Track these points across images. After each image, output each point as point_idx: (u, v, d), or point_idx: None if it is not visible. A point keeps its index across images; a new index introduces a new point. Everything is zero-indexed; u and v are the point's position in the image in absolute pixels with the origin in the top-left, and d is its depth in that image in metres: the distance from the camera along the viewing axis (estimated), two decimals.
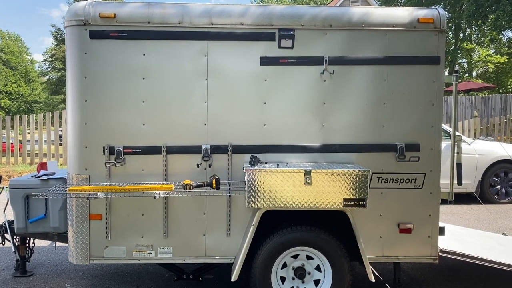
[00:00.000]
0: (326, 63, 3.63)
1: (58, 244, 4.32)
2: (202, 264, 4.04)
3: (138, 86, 3.59)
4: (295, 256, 3.61)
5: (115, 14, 3.55)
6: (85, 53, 3.56)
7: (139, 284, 4.40)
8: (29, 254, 4.60)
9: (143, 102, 3.60)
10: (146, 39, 3.58)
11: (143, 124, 3.61)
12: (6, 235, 4.38)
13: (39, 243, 4.97)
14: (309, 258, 3.62)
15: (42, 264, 4.99)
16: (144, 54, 3.58)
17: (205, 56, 3.60)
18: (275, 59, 3.63)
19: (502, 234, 5.16)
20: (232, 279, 3.50)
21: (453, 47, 30.36)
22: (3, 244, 4.46)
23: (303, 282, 3.63)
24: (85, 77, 3.57)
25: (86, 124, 3.59)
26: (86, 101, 3.58)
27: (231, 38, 3.60)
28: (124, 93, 3.59)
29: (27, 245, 4.53)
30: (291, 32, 3.61)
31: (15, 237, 4.38)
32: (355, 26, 3.63)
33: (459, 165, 4.04)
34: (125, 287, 4.33)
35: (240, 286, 4.12)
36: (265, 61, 3.62)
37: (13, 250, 4.44)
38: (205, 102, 3.62)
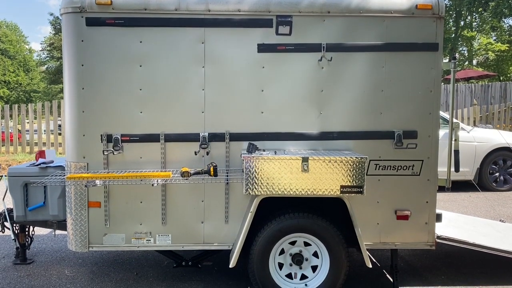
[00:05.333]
0: (324, 50, 3.61)
1: (58, 231, 4.35)
2: (200, 251, 4.07)
3: (135, 74, 3.58)
4: (292, 243, 3.64)
5: (111, 1, 3.52)
6: (82, 41, 3.54)
7: (138, 271, 4.44)
8: (29, 242, 4.63)
9: (140, 89, 3.59)
10: (142, 26, 3.55)
11: (141, 112, 3.61)
12: (5, 223, 4.40)
13: (39, 231, 5.00)
14: (306, 244, 3.64)
15: (42, 252, 5.03)
16: (141, 42, 3.56)
17: (202, 43, 3.58)
18: (272, 46, 3.61)
19: (500, 221, 5.19)
20: (230, 266, 3.53)
21: (453, 35, 30.17)
22: (3, 232, 4.49)
23: (300, 268, 3.66)
24: (82, 65, 3.56)
25: (83, 112, 3.59)
26: (83, 89, 3.57)
27: (228, 25, 3.58)
28: (121, 81, 3.58)
29: (26, 233, 4.56)
30: (289, 19, 3.59)
31: (14, 225, 4.40)
32: (353, 12, 3.61)
33: (456, 152, 4.05)
34: (124, 274, 4.36)
35: (238, 273, 4.16)
36: (263, 48, 3.60)
37: (13, 238, 4.47)
38: (203, 89, 3.61)
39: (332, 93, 3.66)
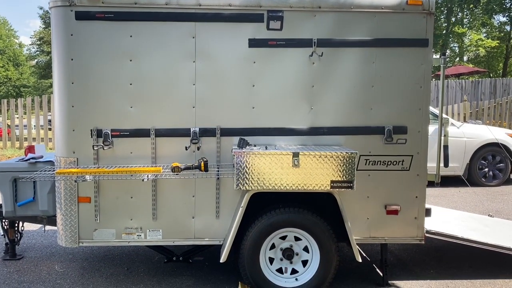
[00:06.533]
0: (315, 45, 3.62)
1: (48, 227, 4.33)
2: (191, 246, 4.07)
3: (125, 68, 3.55)
4: (283, 238, 3.66)
5: None
6: (71, 35, 3.51)
7: (129, 266, 4.43)
8: (19, 238, 4.60)
9: (131, 84, 3.57)
10: (133, 21, 3.53)
11: (131, 107, 3.59)
12: None
13: (29, 226, 4.97)
14: (297, 239, 3.66)
15: (31, 247, 4.99)
16: (131, 36, 3.54)
17: (193, 37, 3.57)
18: (263, 41, 3.60)
19: (488, 215, 5.25)
20: (221, 260, 3.53)
21: (444, 31, 30.32)
22: None
23: (291, 262, 3.68)
24: (72, 59, 3.53)
25: (73, 106, 3.56)
26: (72, 83, 3.54)
27: (219, 19, 3.56)
28: (111, 75, 3.55)
29: (16, 228, 4.53)
30: (280, 14, 3.58)
31: (3, 220, 4.37)
32: (344, 7, 3.61)
33: (446, 148, 4.09)
34: (115, 270, 4.36)
35: (229, 268, 4.17)
36: (254, 43, 3.60)
37: (2, 233, 4.45)
38: (193, 84, 3.60)
39: (323, 89, 3.67)
